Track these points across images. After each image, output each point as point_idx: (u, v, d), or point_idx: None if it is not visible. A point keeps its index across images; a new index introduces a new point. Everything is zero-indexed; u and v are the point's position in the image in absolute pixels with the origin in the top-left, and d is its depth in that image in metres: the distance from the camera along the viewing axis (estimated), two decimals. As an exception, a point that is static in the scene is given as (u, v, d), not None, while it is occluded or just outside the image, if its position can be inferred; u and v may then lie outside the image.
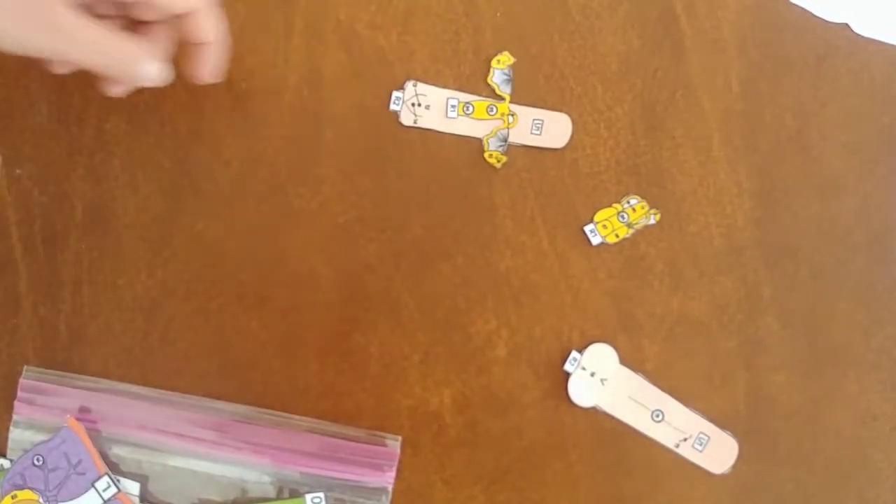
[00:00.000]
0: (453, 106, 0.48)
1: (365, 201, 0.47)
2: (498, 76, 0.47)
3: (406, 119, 0.48)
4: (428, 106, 0.48)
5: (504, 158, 0.47)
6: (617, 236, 0.47)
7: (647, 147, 0.48)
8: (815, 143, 0.48)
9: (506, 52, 0.47)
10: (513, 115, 0.48)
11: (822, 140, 0.48)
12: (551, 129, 0.48)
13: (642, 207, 0.48)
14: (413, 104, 0.48)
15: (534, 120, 0.48)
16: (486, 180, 0.48)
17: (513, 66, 0.47)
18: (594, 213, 0.48)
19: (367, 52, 0.48)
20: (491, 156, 0.47)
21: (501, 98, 0.48)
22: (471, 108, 0.48)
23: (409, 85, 0.48)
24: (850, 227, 0.48)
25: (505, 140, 0.47)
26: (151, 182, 0.48)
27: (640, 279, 0.47)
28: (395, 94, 0.48)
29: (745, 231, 0.47)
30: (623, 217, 0.47)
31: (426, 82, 0.48)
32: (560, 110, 0.48)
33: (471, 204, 0.48)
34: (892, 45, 0.48)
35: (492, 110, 0.48)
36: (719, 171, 0.48)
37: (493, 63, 0.47)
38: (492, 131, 0.48)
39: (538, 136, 0.48)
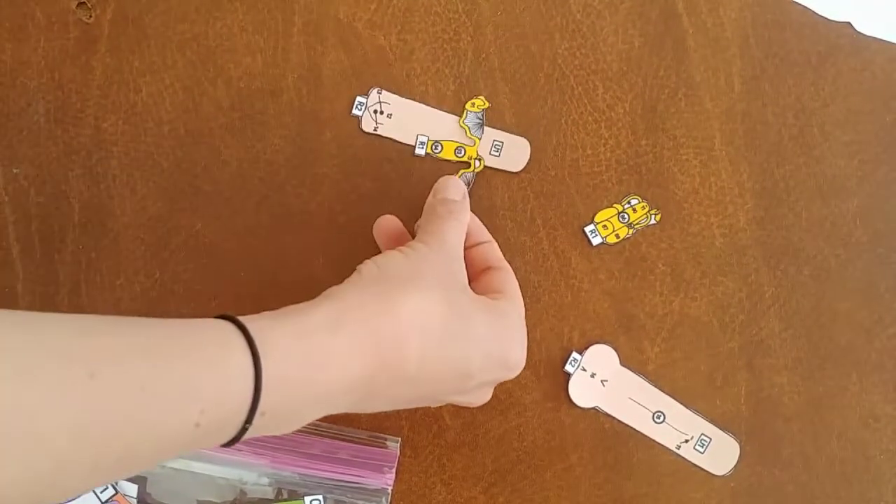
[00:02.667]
0: (422, 143, 0.47)
1: (364, 201, 0.47)
2: (471, 119, 0.47)
3: (367, 125, 0.47)
4: (390, 115, 0.47)
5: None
6: (617, 237, 0.47)
7: (648, 147, 0.47)
8: (818, 142, 0.48)
9: (481, 97, 0.47)
10: (479, 159, 0.47)
11: (825, 139, 0.48)
12: (510, 152, 0.47)
13: (643, 207, 0.47)
14: (375, 111, 0.47)
15: (494, 140, 0.47)
16: (485, 181, 0.47)
17: (486, 111, 0.47)
18: (594, 214, 0.47)
19: (367, 51, 0.48)
20: None
21: (472, 142, 0.47)
22: (439, 148, 0.47)
23: (374, 91, 0.47)
24: (852, 226, 0.47)
25: (469, 184, 0.47)
26: (149, 182, 0.47)
27: (641, 280, 0.47)
28: (359, 98, 0.47)
29: (746, 231, 0.47)
30: (624, 217, 0.47)
31: (391, 90, 0.47)
32: (560, 110, 0.47)
33: (471, 204, 0.47)
34: (894, 44, 0.48)
35: (460, 152, 0.47)
36: (721, 170, 0.47)
37: (468, 105, 0.47)
38: (457, 173, 0.47)
39: (497, 158, 0.47)
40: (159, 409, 0.30)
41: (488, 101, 0.48)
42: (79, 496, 0.32)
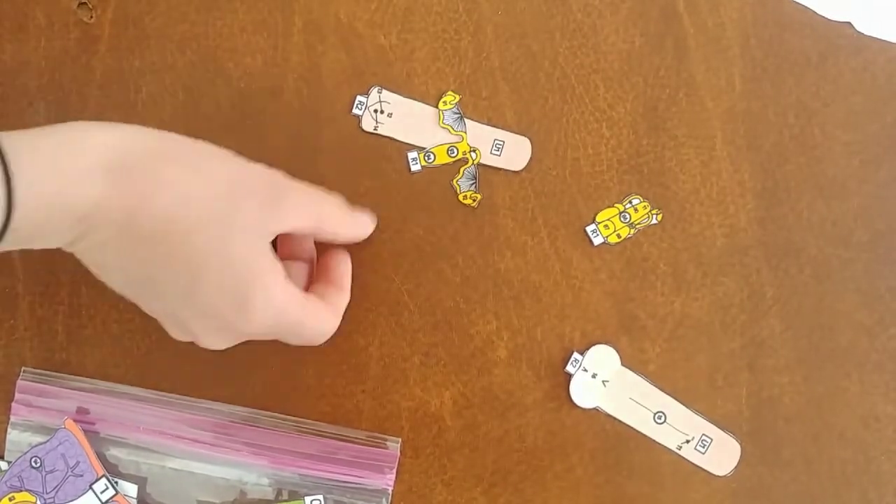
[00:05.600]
0: (414, 159, 0.47)
1: (365, 201, 0.47)
2: (448, 117, 0.47)
3: (367, 125, 0.47)
4: (391, 114, 0.47)
5: (479, 196, 0.47)
6: (619, 237, 0.47)
7: (649, 146, 0.47)
8: (818, 142, 0.48)
9: (449, 93, 0.47)
10: (475, 150, 0.47)
11: (825, 139, 0.48)
12: (511, 151, 0.47)
13: (644, 207, 0.47)
14: (376, 110, 0.47)
15: (495, 140, 0.47)
16: (486, 180, 0.47)
17: (459, 103, 0.47)
18: (596, 214, 0.47)
19: (368, 50, 0.48)
20: (466, 197, 0.47)
21: (459, 137, 0.47)
22: (432, 157, 0.47)
23: (374, 90, 0.47)
24: (853, 226, 0.47)
25: (475, 177, 0.47)
26: (150, 182, 0.47)
27: (642, 280, 0.47)
28: (359, 98, 0.47)
29: (747, 231, 0.47)
30: (625, 217, 0.47)
31: (391, 90, 0.47)
32: (561, 109, 0.47)
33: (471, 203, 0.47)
34: (894, 44, 0.48)
35: (452, 152, 0.47)
36: (722, 170, 0.47)
37: (440, 105, 0.47)
38: (460, 172, 0.47)
39: (497, 157, 0.47)
40: None
41: (487, 100, 0.48)
42: None
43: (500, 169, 0.47)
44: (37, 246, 0.36)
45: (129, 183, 0.35)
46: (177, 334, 0.41)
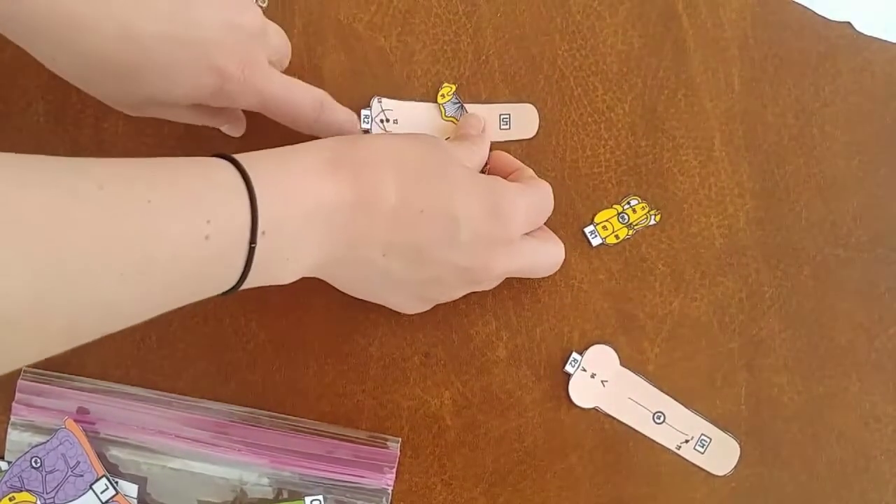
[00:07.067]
0: None
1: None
2: (450, 109, 0.47)
3: None
4: (396, 120, 0.48)
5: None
6: (617, 237, 0.47)
7: (647, 148, 0.47)
8: (817, 142, 0.48)
9: (445, 84, 0.47)
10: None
11: (824, 139, 0.48)
12: (518, 120, 0.48)
13: (643, 208, 0.47)
14: (382, 120, 0.47)
15: (500, 115, 0.48)
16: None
17: (456, 91, 0.47)
18: (594, 215, 0.47)
19: (368, 52, 0.48)
20: None
21: None
22: None
23: (375, 101, 0.48)
24: (852, 227, 0.47)
25: (487, 162, 0.47)
26: (150, 183, 0.47)
27: (641, 280, 0.47)
28: (364, 112, 0.48)
29: (746, 231, 0.47)
30: (623, 218, 0.47)
31: (390, 95, 0.48)
32: (560, 111, 0.48)
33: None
34: (893, 44, 0.48)
35: None
36: (720, 171, 0.47)
37: (439, 99, 0.47)
38: None
39: (507, 131, 0.48)
40: (168, 218, 0.33)
41: (486, 102, 0.48)
42: (107, 321, 0.34)
43: (514, 141, 0.47)
44: (290, 262, 0.38)
45: (349, 172, 0.38)
46: (447, 294, 0.44)
